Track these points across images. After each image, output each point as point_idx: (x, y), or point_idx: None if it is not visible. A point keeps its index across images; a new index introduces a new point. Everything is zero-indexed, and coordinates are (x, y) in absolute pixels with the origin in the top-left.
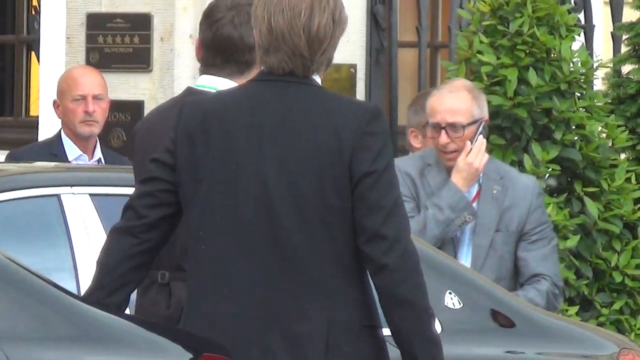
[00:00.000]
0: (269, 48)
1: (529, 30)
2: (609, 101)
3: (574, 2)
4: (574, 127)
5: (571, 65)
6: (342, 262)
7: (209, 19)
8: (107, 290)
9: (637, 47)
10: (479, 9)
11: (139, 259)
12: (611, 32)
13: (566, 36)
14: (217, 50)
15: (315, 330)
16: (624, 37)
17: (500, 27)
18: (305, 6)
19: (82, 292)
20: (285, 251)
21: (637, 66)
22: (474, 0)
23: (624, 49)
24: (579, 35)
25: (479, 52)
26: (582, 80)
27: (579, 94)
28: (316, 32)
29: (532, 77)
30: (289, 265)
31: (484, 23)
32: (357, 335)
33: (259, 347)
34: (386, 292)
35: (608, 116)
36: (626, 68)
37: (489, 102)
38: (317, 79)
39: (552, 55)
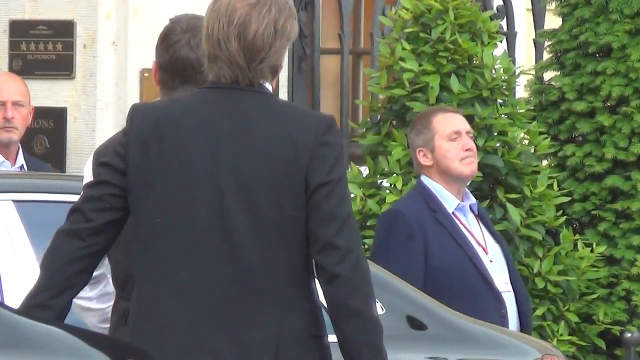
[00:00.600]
0: (209, 56)
1: (451, 37)
2: (531, 108)
3: (496, 9)
4: (496, 133)
5: (493, 72)
6: (293, 271)
7: (166, 42)
8: (51, 293)
9: (559, 54)
10: (401, 16)
11: (84, 262)
12: (533, 39)
13: (488, 43)
14: (174, 72)
15: (266, 338)
16: (546, 44)
17: (422, 34)
18: (241, 13)
19: (5, 299)
20: (239, 259)
21: (559, 73)
22: (396, 7)
23: (546, 55)
24: (501, 42)
25: (401, 59)
26: (504, 87)
27: (501, 101)
28: (252, 40)
29: (454, 84)
30: (242, 273)
31: (406, 30)
32: (306, 344)
33: (209, 353)
34: (338, 303)
35: (530, 123)
36: (548, 75)
37: (411, 109)
38: (269, 87)
39: (474, 62)
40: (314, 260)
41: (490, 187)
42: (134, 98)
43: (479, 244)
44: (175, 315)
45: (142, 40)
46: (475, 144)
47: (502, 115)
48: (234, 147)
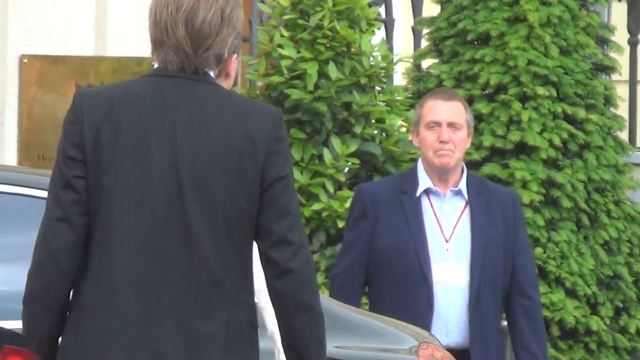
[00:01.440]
0: (156, 42)
1: (329, 24)
2: (409, 95)
3: None
4: (373, 121)
5: (371, 59)
6: (241, 265)
7: None
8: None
9: (437, 42)
10: (280, 3)
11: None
12: (412, 27)
13: (366, 30)
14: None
15: (216, 329)
16: (424, 31)
17: (300, 21)
18: (189, 1)
19: None
20: (194, 251)
21: (437, 61)
22: None
23: (424, 43)
24: (379, 29)
25: (280, 45)
26: (382, 75)
27: (379, 88)
28: (200, 27)
29: (332, 70)
30: (196, 266)
31: (285, 17)
32: (249, 335)
33: (162, 344)
34: (289, 297)
35: (408, 110)
36: (426, 63)
37: (288, 96)
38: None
39: (353, 49)
40: (263, 254)
41: (368, 174)
42: (13, 84)
43: (441, 229)
44: (127, 304)
45: (21, 25)
46: (353, 131)
47: (380, 103)
48: (191, 138)
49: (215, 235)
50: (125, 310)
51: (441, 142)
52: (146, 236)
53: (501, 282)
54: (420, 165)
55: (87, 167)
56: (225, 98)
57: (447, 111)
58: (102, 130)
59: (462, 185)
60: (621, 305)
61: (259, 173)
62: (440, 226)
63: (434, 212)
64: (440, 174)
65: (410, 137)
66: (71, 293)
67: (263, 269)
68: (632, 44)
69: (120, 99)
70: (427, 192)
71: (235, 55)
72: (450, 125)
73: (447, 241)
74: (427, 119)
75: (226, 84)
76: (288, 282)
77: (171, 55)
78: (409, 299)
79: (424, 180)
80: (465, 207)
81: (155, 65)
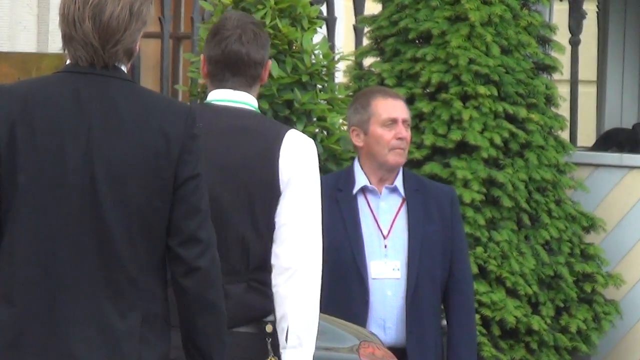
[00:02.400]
0: (65, 36)
1: (271, 22)
2: (351, 94)
3: None
4: (315, 119)
5: (313, 57)
6: (154, 261)
7: (217, 36)
8: None
9: (378, 40)
10: (221, 1)
11: None
12: (353, 25)
13: (308, 28)
14: (226, 65)
15: (131, 327)
16: (366, 30)
17: None
18: None
19: None
20: (108, 248)
21: (378, 59)
22: None
23: (365, 42)
24: (320, 27)
25: None
26: (323, 73)
27: (320, 86)
28: (107, 22)
29: (274, 68)
30: (110, 264)
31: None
32: (163, 331)
33: (79, 341)
34: (194, 295)
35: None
36: (367, 61)
37: None
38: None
39: (294, 47)
40: (171, 251)
41: None
42: None
43: (378, 226)
44: (32, 302)
45: None
46: (295, 129)
47: (322, 101)
48: (105, 135)
49: (130, 233)
50: (28, 309)
51: (399, 138)
52: (59, 234)
53: (439, 278)
54: (357, 164)
55: (1, 164)
56: (139, 94)
57: (401, 108)
58: (16, 128)
59: (399, 182)
60: (562, 305)
61: (173, 171)
62: (377, 223)
63: (371, 209)
64: (387, 172)
65: (353, 138)
66: None
67: (169, 265)
68: (574, 43)
69: (34, 96)
70: (363, 190)
71: (269, 61)
72: (404, 122)
73: (385, 238)
74: (384, 116)
75: (258, 90)
76: (194, 280)
77: (80, 51)
78: (346, 296)
79: (361, 179)
80: (402, 204)
81: (68, 61)
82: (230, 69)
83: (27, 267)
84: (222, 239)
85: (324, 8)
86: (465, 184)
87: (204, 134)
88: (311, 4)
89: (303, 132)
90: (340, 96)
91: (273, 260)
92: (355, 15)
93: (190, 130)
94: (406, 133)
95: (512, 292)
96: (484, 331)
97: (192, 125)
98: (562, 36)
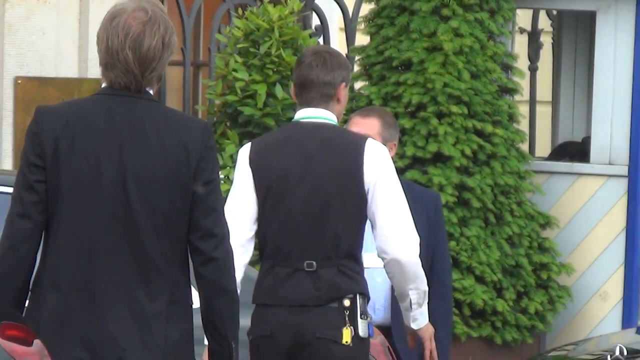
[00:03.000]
0: (107, 65)
1: (276, 52)
2: (344, 113)
3: (315, 28)
4: None
5: None
6: (178, 254)
7: (297, 65)
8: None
9: (367, 67)
10: (234, 34)
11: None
12: (346, 54)
13: None
14: (303, 87)
15: (159, 308)
16: (356, 58)
17: (252, 49)
18: (135, 30)
19: None
20: (139, 246)
21: (367, 83)
22: (230, 26)
23: (356, 68)
24: None
25: (234, 70)
26: None
27: None
28: (146, 53)
29: (279, 91)
30: (140, 256)
31: (239, 45)
32: (186, 311)
33: (114, 321)
34: (211, 281)
35: (344, 124)
36: (358, 84)
37: (241, 113)
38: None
39: None
40: (191, 245)
41: None
42: (7, 102)
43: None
44: (81, 292)
45: (15, 51)
46: None
47: None
48: (135, 149)
49: (156, 230)
50: (72, 294)
51: None
52: (97, 232)
53: (425, 266)
54: None
55: (46, 172)
56: (163, 112)
57: (368, 125)
58: (59, 142)
59: None
60: (522, 289)
61: (192, 177)
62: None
63: None
64: None
65: None
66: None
67: (190, 256)
68: (532, 69)
69: (74, 115)
70: None
71: (344, 83)
72: (383, 137)
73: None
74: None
75: (338, 108)
76: (211, 268)
77: (120, 77)
78: None
79: None
80: None
81: (104, 85)
82: (307, 90)
83: (70, 260)
84: (320, 233)
85: (321, 40)
86: (441, 188)
87: (294, 145)
88: (310, 37)
89: None
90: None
91: (381, 249)
92: (348, 46)
93: (206, 142)
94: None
95: (480, 279)
96: (457, 312)
97: (208, 137)
98: (522, 63)
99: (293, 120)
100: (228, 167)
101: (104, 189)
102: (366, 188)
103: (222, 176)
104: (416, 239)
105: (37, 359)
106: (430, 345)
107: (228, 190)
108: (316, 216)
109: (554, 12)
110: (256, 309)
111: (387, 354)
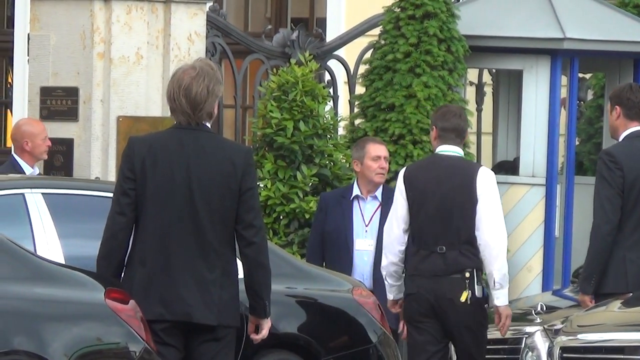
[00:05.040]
0: (171, 108)
1: (300, 98)
2: (347, 141)
3: (327, 82)
4: (326, 155)
5: (325, 119)
6: (229, 240)
7: (445, 115)
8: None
9: (363, 109)
10: (270, 86)
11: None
12: (349, 100)
13: (322, 101)
14: (451, 131)
15: (216, 277)
16: (356, 102)
17: (283, 97)
18: (186, 82)
19: (38, 251)
20: (201, 235)
21: (363, 120)
22: (267, 80)
23: (356, 110)
24: (329, 102)
25: (271, 111)
26: (331, 128)
27: (329, 136)
28: (194, 98)
29: (302, 126)
30: (202, 243)
31: (274, 94)
32: (234, 280)
33: (183, 287)
34: (252, 259)
35: (347, 149)
36: (357, 121)
37: (275, 141)
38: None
39: (314, 113)
40: (237, 232)
41: (323, 187)
42: (112, 134)
43: (363, 219)
44: (156, 264)
45: (118, 98)
46: (314, 161)
47: (330, 145)
48: (197, 166)
49: (212, 222)
50: (154, 268)
51: (381, 167)
52: (171, 223)
53: None
54: (355, 182)
55: (136, 183)
56: (217, 140)
57: (383, 150)
58: (145, 161)
59: (378, 193)
60: None
61: (238, 185)
62: (362, 217)
63: (360, 209)
64: (373, 187)
65: (348, 165)
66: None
67: (237, 241)
68: (478, 110)
69: (155, 142)
70: (356, 197)
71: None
72: (385, 158)
73: (366, 225)
74: (373, 154)
75: (462, 143)
76: (251, 249)
77: (179, 116)
78: (341, 260)
79: (356, 190)
80: (379, 206)
81: (174, 122)
82: (456, 133)
83: (152, 242)
84: (447, 228)
85: (331, 90)
86: None
87: (430, 169)
88: (324, 87)
89: (319, 163)
90: (341, 142)
91: (478, 239)
92: (350, 94)
93: (248, 161)
94: (385, 164)
95: None
96: None
97: (249, 158)
98: (471, 106)
99: (435, 153)
100: (266, 179)
101: (176, 195)
102: (477, 197)
103: (261, 185)
104: (503, 233)
105: (132, 313)
106: (505, 322)
107: (265, 195)
108: (444, 217)
109: (494, 70)
110: (407, 277)
111: (377, 309)
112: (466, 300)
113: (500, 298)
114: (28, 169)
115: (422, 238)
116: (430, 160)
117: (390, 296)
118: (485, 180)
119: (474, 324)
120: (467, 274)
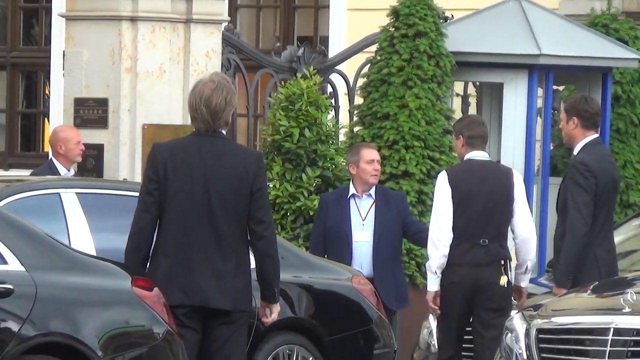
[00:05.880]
0: (192, 117)
1: (305, 107)
2: (347, 146)
3: (329, 93)
4: (329, 159)
5: (327, 126)
6: (242, 234)
7: (472, 124)
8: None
9: (362, 117)
10: (279, 97)
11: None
12: (348, 110)
13: (324, 111)
14: (479, 138)
15: (230, 268)
16: (355, 112)
17: (290, 107)
18: (207, 93)
19: (73, 245)
20: (217, 231)
21: (362, 127)
22: (276, 92)
23: (355, 118)
24: (331, 111)
25: (279, 119)
26: (333, 135)
27: (331, 142)
28: (214, 108)
29: (307, 133)
30: (218, 238)
31: (282, 104)
32: (246, 271)
33: (201, 276)
34: (263, 251)
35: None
36: (356, 128)
37: (283, 146)
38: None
39: (317, 121)
40: (249, 227)
41: (326, 188)
42: (138, 140)
43: (360, 214)
44: (176, 257)
45: (143, 108)
46: (318, 164)
47: (332, 149)
48: (214, 169)
49: (227, 219)
50: (175, 259)
51: (375, 169)
52: (191, 220)
53: (396, 240)
54: (351, 183)
55: (159, 184)
56: (232, 145)
57: (376, 154)
58: (167, 165)
59: (372, 192)
60: None
61: (250, 186)
62: (359, 212)
63: (357, 206)
64: (368, 187)
65: (350, 169)
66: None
67: (249, 235)
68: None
69: (177, 148)
70: (353, 196)
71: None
72: (378, 161)
73: (363, 220)
74: (368, 158)
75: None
76: (262, 242)
77: (200, 124)
78: (341, 251)
79: (352, 190)
80: (373, 203)
81: (194, 129)
82: (482, 139)
83: (174, 237)
84: (489, 224)
85: (333, 100)
86: (407, 192)
87: (472, 172)
88: (327, 98)
89: (322, 166)
90: (342, 147)
91: (516, 234)
92: (349, 104)
93: (259, 164)
94: (379, 167)
95: None
96: (418, 269)
97: (260, 161)
98: (457, 115)
99: (467, 159)
100: (275, 180)
101: (195, 195)
102: (514, 197)
103: (270, 185)
104: (533, 229)
105: (156, 299)
106: (524, 298)
107: (274, 195)
108: (487, 214)
109: (477, 83)
110: (448, 267)
111: (374, 295)
112: (503, 284)
113: (525, 281)
114: (63, 171)
115: (467, 232)
116: (467, 165)
117: (435, 287)
118: (519, 183)
119: (507, 305)
120: (502, 262)
